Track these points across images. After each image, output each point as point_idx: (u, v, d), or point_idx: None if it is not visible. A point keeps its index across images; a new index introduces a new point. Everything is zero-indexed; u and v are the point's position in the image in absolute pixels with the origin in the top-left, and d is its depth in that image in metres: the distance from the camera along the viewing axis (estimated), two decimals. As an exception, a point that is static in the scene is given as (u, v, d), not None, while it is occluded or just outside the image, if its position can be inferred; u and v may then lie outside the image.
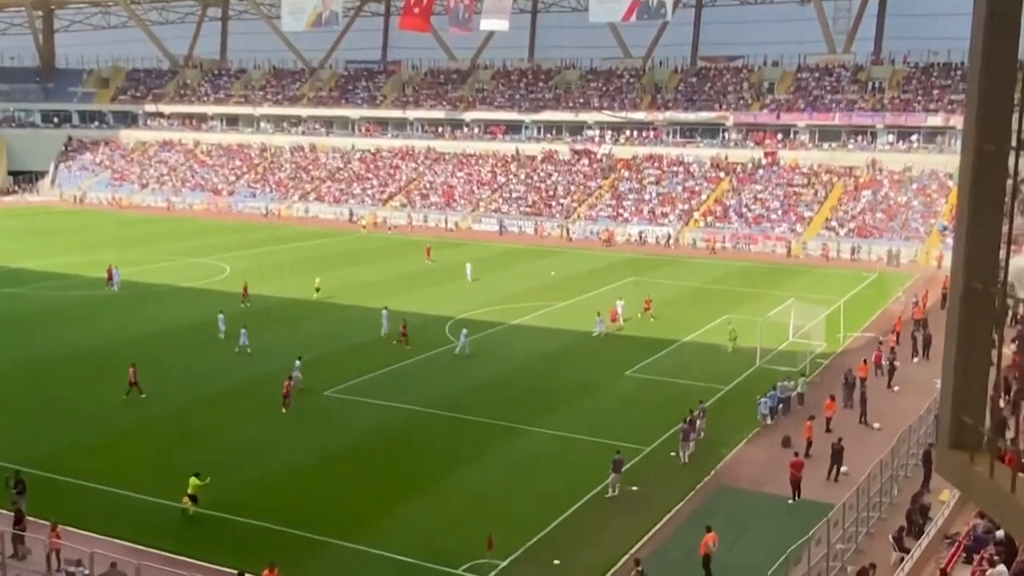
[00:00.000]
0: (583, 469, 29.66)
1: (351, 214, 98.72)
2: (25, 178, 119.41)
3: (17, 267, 64.55)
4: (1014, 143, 6.80)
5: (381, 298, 53.05)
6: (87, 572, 20.37)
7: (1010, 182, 6.86)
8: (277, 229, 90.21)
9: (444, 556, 23.71)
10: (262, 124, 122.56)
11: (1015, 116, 6.85)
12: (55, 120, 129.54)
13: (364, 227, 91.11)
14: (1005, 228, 6.96)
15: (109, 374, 38.78)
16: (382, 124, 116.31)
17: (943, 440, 7.46)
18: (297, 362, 38.47)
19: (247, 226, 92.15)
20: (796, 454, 28.27)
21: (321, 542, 24.50)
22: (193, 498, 26.00)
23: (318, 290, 55.67)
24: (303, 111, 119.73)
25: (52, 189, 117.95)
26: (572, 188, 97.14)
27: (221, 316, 46.02)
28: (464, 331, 43.67)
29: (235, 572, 21.74)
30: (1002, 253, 6.94)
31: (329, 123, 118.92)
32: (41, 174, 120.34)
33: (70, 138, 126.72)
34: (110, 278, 56.76)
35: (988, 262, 7.01)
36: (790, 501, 26.87)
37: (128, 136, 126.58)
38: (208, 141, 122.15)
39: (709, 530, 23.35)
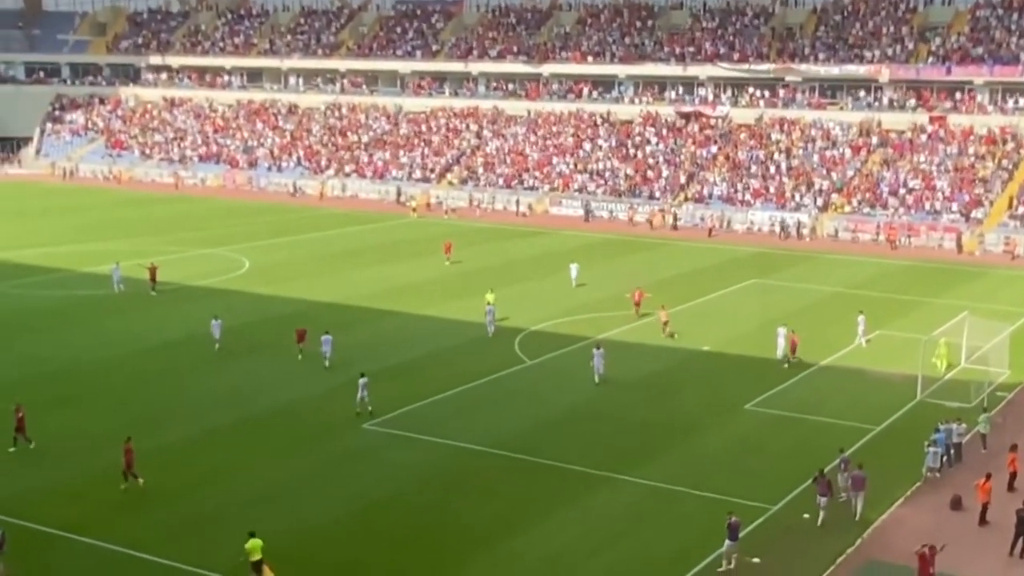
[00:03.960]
0: (688, 533, 29.21)
1: (399, 193, 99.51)
2: (5, 146, 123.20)
3: (-7, 258, 66.57)
4: None
5: (431, 303, 53.21)
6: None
7: None
8: (307, 213, 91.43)
9: (510, 643, 23.59)
10: (290, 80, 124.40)
11: None
12: (41, 74, 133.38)
13: (415, 210, 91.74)
14: None
15: (93, 398, 39.59)
16: (438, 79, 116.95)
17: None
18: (362, 379, 38.58)
19: (270, 208, 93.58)
20: (930, 548, 26.41)
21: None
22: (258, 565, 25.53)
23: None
24: (340, 64, 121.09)
25: (37, 159, 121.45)
26: (678, 161, 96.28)
27: (216, 323, 46.65)
28: (599, 350, 42.91)
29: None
30: None
31: (372, 78, 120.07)
32: (24, 141, 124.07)
33: (58, 96, 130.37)
34: (153, 279, 57.13)
35: None
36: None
37: (128, 94, 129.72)
38: (224, 100, 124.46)
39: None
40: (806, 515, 30.03)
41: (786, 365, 45.27)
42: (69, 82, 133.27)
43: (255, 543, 25.80)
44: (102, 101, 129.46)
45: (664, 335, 49.53)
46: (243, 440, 36.23)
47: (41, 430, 35.69)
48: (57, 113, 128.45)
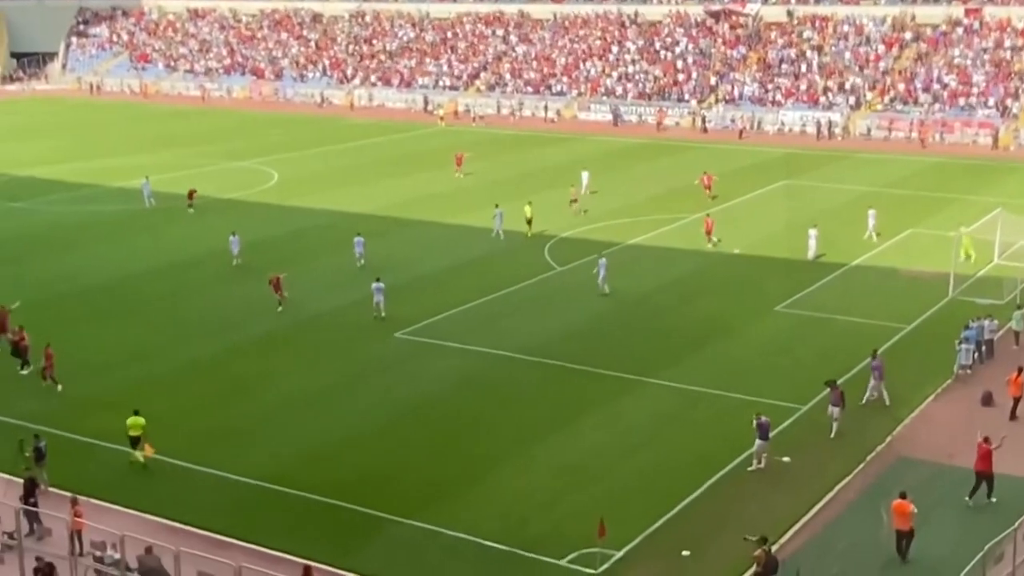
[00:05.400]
0: (718, 434, 29.46)
1: (426, 102, 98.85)
2: (31, 61, 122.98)
3: (24, 175, 66.99)
4: None
5: (462, 212, 53.26)
6: (117, 557, 21.36)
7: None
8: (334, 123, 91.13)
9: (540, 543, 24.06)
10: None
11: None
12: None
13: (442, 119, 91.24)
14: None
15: (125, 312, 40.17)
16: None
17: None
18: (377, 283, 39.15)
19: (297, 119, 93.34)
20: (986, 440, 26.50)
21: (385, 520, 25.14)
22: (136, 440, 27.75)
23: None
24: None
25: (63, 75, 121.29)
26: (708, 63, 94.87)
27: (233, 238, 46.83)
28: (602, 260, 42.65)
29: (296, 560, 22.49)
30: None
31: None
32: (50, 56, 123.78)
33: (82, 9, 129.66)
34: (191, 198, 56.54)
35: None
36: (993, 499, 25.89)
37: (151, 5, 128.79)
38: (247, 10, 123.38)
39: (904, 497, 23.06)
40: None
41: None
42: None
43: (136, 420, 27.94)
44: (125, 14, 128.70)
45: (709, 244, 49.12)
46: (276, 350, 36.71)
47: (74, 343, 36.36)
48: (81, 27, 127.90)
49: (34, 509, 23.91)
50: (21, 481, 25.15)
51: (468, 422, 30.86)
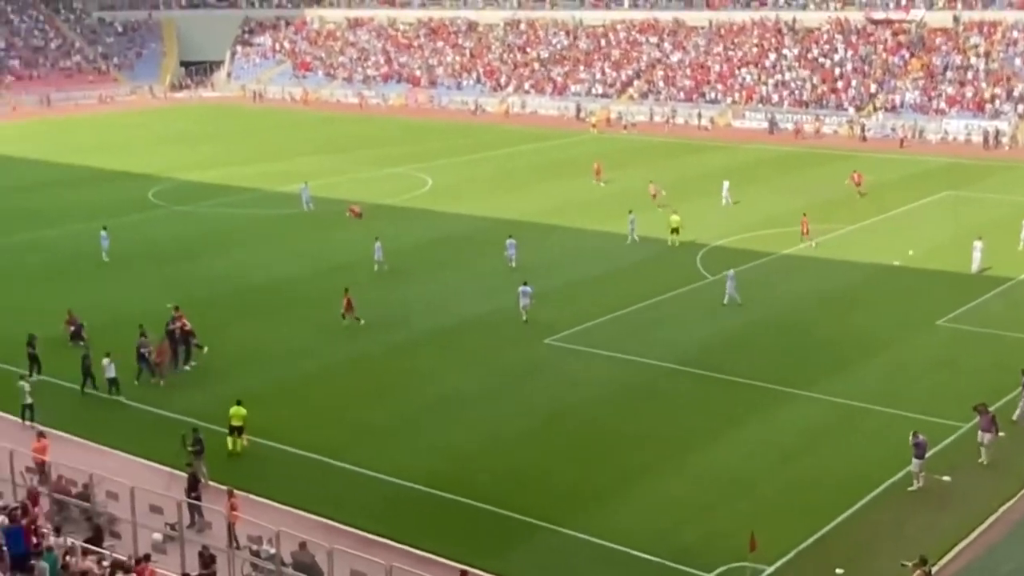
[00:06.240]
0: (875, 450, 28.69)
1: (578, 109, 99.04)
2: (198, 69, 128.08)
3: (189, 179, 69.71)
4: None
5: (611, 219, 53.11)
6: (272, 552, 21.97)
7: None
8: (487, 131, 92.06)
9: (690, 554, 23.79)
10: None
11: None
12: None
13: (594, 126, 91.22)
14: None
15: (281, 312, 41.26)
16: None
17: None
18: (524, 287, 39.49)
19: (451, 126, 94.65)
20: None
21: (532, 526, 25.23)
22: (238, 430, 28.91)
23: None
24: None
25: (228, 82, 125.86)
26: (868, 70, 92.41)
27: (377, 244, 47.40)
28: (730, 272, 42.34)
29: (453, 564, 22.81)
30: None
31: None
32: (216, 64, 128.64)
33: (247, 19, 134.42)
34: (358, 214, 57.21)
35: None
36: None
37: (312, 15, 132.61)
38: (405, 19, 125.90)
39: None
40: (1002, 433, 28.70)
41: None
42: (257, 5, 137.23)
43: (238, 410, 29.04)
44: (288, 24, 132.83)
45: (808, 244, 49.15)
46: (426, 352, 37.29)
47: (232, 341, 37.76)
48: (246, 36, 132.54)
49: (196, 502, 24.82)
50: (184, 475, 26.19)
51: (617, 430, 30.74)
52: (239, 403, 29.39)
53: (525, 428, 30.94)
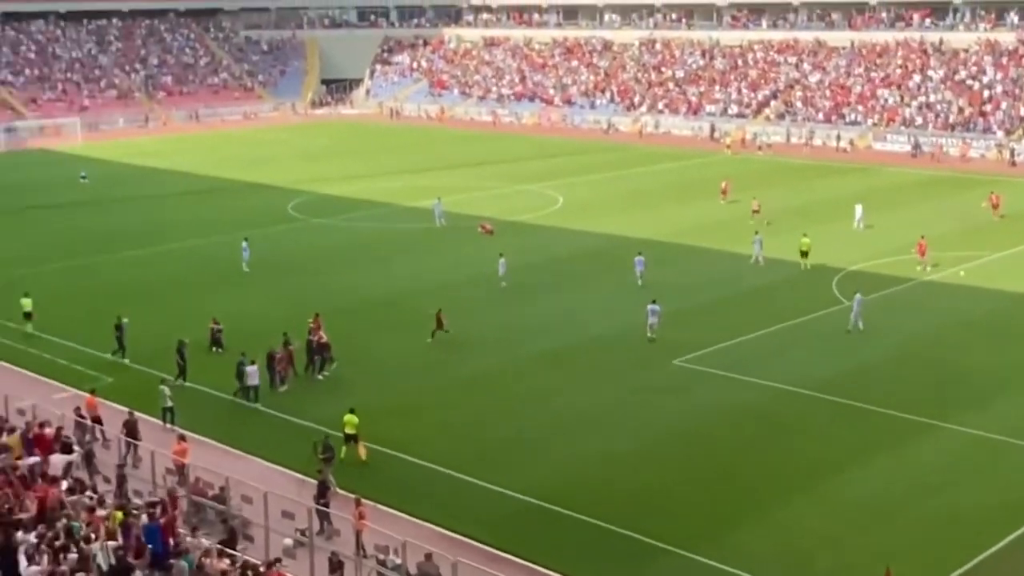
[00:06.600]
0: (1020, 487, 27.63)
1: (712, 130, 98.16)
2: (338, 87, 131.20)
3: (327, 193, 71.34)
4: None
5: (742, 241, 52.39)
6: (398, 562, 22.27)
7: None
8: (619, 149, 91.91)
9: (821, 586, 23.27)
10: (606, 16, 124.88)
11: None
12: (371, 18, 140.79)
13: (728, 146, 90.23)
14: None
15: (409, 325, 41.56)
16: (757, 11, 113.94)
17: None
18: (653, 305, 39.41)
19: (584, 145, 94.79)
20: None
21: (658, 549, 25.01)
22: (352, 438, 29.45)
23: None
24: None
25: (367, 100, 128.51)
26: (1019, 92, 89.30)
27: (502, 261, 47.71)
28: (857, 296, 41.34)
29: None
30: None
31: (689, 12, 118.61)
32: (356, 82, 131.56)
33: (386, 38, 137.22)
34: (489, 231, 57.91)
35: None
36: None
37: (450, 35, 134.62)
38: (541, 39, 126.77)
39: None
40: None
41: None
42: (396, 24, 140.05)
43: (351, 418, 29.58)
44: (426, 43, 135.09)
45: (923, 268, 48.49)
46: (553, 368, 37.34)
47: (362, 352, 38.46)
48: (385, 55, 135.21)
49: (325, 509, 25.32)
50: (314, 481, 26.74)
51: (745, 454, 30.27)
52: (352, 411, 29.95)
53: (652, 449, 30.71)
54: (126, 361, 37.88)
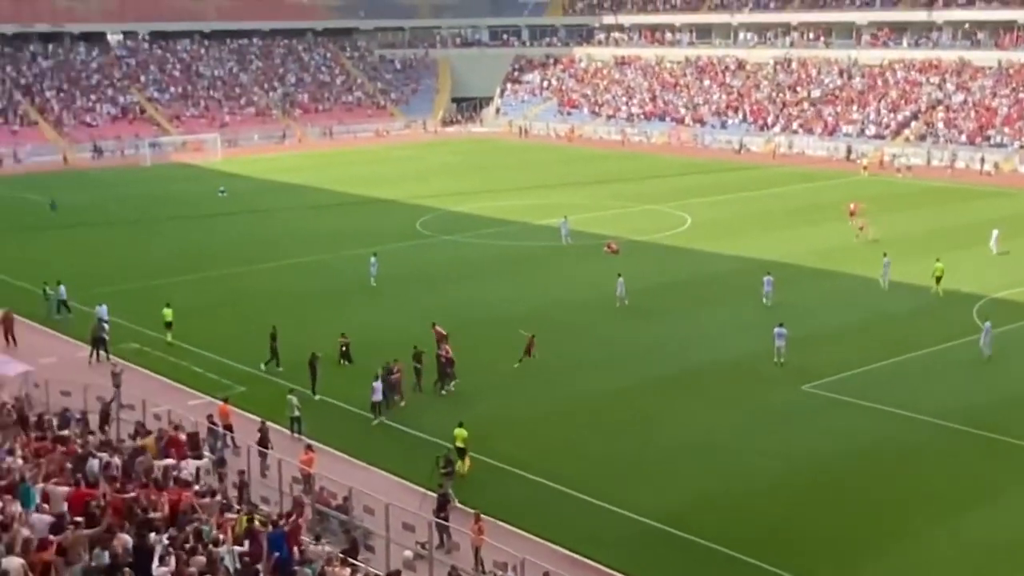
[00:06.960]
0: None
1: (848, 151, 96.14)
2: (468, 105, 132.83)
3: (457, 210, 72.16)
4: None
5: (875, 266, 51.10)
6: (515, 580, 22.30)
7: None
8: (750, 170, 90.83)
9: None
10: (740, 35, 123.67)
11: None
12: (503, 37, 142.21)
13: (866, 168, 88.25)
14: None
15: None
16: (898, 29, 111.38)
17: None
18: (780, 328, 38.84)
19: (714, 165, 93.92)
20: None
21: (785, 580, 24.49)
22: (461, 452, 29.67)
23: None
24: (792, 16, 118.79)
25: (496, 118, 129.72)
26: None
27: (620, 280, 47.37)
28: (987, 324, 40.09)
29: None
30: None
31: (827, 30, 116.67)
32: (486, 100, 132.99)
33: (517, 57, 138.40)
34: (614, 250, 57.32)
35: None
36: None
37: (580, 54, 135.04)
38: (673, 58, 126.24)
39: None
40: None
41: None
42: (528, 44, 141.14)
43: (460, 432, 29.98)
44: (556, 61, 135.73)
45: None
46: (679, 390, 37.02)
47: (483, 368, 38.60)
48: (516, 74, 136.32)
49: (445, 523, 25.52)
50: (434, 495, 26.98)
51: (877, 485, 29.43)
52: (460, 425, 30.26)
53: (778, 476, 30.12)
54: (280, 370, 38.71)
